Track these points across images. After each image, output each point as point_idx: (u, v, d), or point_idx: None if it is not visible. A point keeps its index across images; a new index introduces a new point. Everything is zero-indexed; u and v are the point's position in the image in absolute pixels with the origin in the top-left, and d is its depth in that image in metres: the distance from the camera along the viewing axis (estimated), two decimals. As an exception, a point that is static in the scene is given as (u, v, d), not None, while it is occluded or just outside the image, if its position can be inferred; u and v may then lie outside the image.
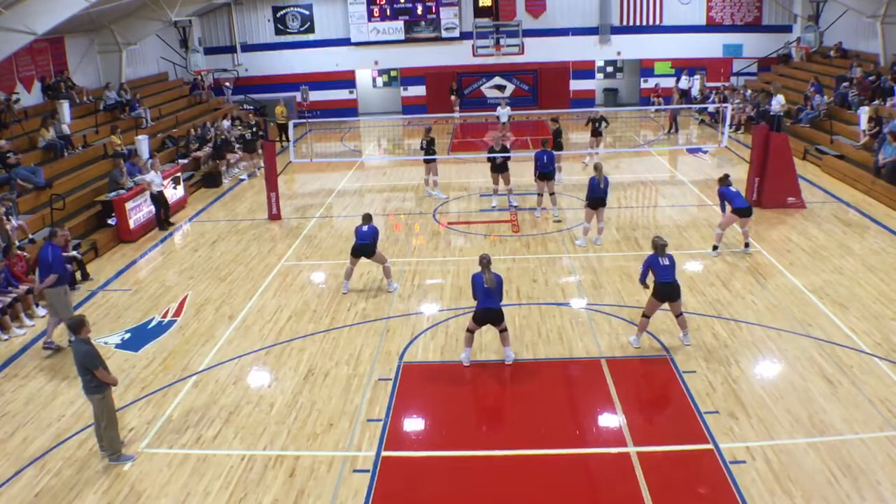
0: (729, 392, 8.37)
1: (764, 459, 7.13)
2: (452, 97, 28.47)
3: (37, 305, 11.39)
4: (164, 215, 15.91)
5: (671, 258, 9.19)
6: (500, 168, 15.81)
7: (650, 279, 9.27)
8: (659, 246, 9.18)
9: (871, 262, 12.08)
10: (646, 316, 9.44)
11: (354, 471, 7.30)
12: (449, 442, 7.86)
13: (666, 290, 9.12)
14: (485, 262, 9.11)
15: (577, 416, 8.20)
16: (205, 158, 20.26)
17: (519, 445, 7.66)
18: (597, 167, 13.20)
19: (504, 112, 22.40)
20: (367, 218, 11.70)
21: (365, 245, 11.42)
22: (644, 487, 6.85)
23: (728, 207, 12.46)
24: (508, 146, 16.91)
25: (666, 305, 9.34)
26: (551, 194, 15.09)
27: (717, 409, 8.04)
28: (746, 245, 12.75)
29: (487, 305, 9.01)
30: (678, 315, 9.39)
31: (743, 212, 12.26)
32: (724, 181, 12.58)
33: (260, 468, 7.39)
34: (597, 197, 12.97)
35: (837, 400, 8.10)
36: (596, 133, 19.37)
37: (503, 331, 9.27)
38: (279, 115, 24.60)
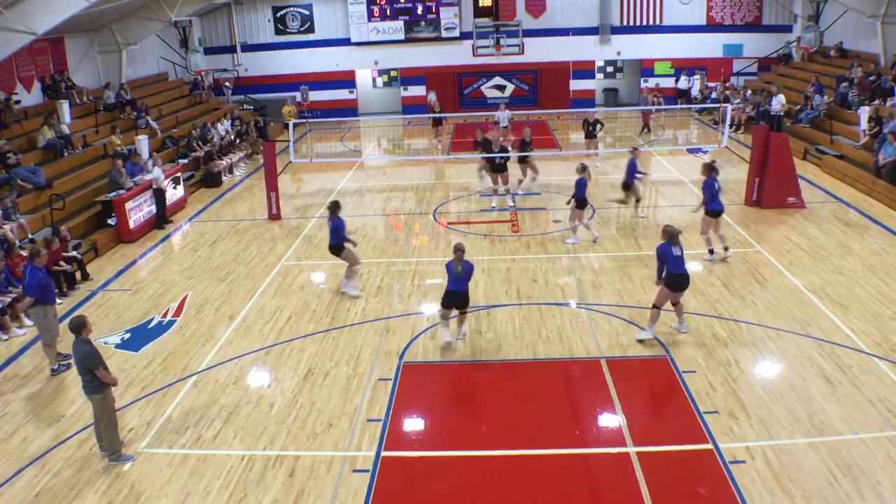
0: (729, 392, 8.37)
1: (764, 459, 7.13)
2: (438, 127, 23.41)
3: (26, 316, 10.90)
4: (162, 213, 16.07)
5: (681, 248, 9.24)
6: (499, 168, 15.86)
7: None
8: (673, 235, 9.17)
9: (871, 262, 12.08)
10: (657, 307, 9.45)
11: (354, 471, 7.30)
12: (449, 442, 7.86)
13: (680, 281, 9.21)
14: (459, 252, 9.43)
15: (577, 416, 8.20)
16: (204, 159, 20.27)
17: (519, 445, 7.66)
18: (583, 168, 13.28)
19: (504, 116, 22.26)
20: (333, 207, 11.38)
21: (331, 244, 11.41)
22: (644, 487, 6.85)
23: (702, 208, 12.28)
24: (509, 147, 16.96)
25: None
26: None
27: (716, 409, 8.04)
28: (726, 248, 12.47)
29: (455, 288, 9.46)
30: (676, 303, 9.49)
31: (715, 214, 12.14)
32: (711, 171, 12.26)
33: (260, 468, 7.39)
34: (584, 197, 13.11)
35: (837, 400, 8.10)
36: (590, 136, 19.39)
37: (464, 313, 9.78)
38: (287, 114, 24.04)
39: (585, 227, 13.66)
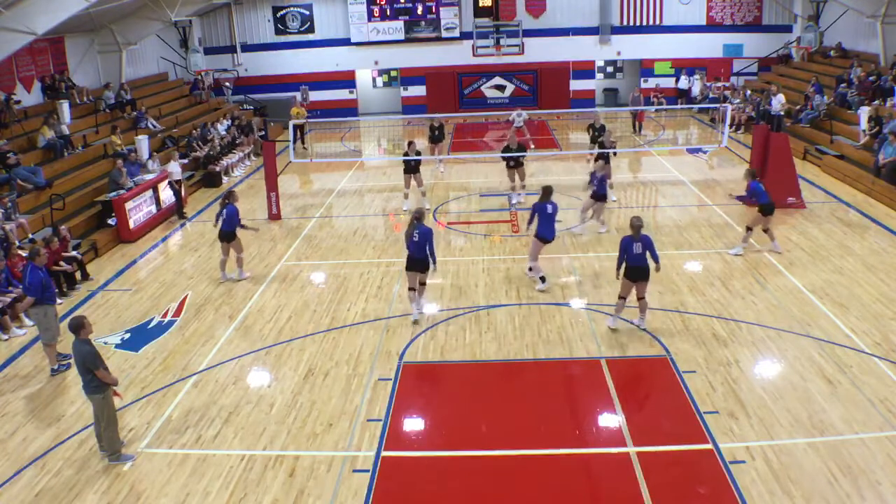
0: (729, 392, 8.37)
1: (764, 459, 7.13)
2: (432, 144, 19.70)
3: (26, 316, 10.91)
4: (179, 204, 16.77)
5: (645, 241, 9.52)
6: (515, 166, 15.99)
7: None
8: (635, 228, 9.56)
9: (871, 262, 12.08)
10: (622, 297, 9.81)
11: (354, 471, 7.30)
12: (449, 442, 7.86)
13: (636, 272, 9.61)
14: (414, 217, 10.22)
15: (577, 416, 8.20)
16: (203, 159, 20.26)
17: (519, 445, 7.66)
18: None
19: (521, 118, 21.97)
20: (228, 195, 12.41)
21: (225, 231, 12.18)
22: (644, 487, 6.85)
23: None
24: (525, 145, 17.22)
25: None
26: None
27: (716, 409, 8.04)
28: (542, 279, 11.47)
29: (412, 254, 10.23)
30: (641, 297, 9.82)
31: (544, 240, 11.34)
32: (546, 195, 11.31)
33: (260, 468, 7.39)
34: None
35: (837, 400, 8.10)
36: (595, 140, 19.36)
37: (422, 284, 10.46)
38: (296, 115, 23.06)
39: (589, 219, 14.01)
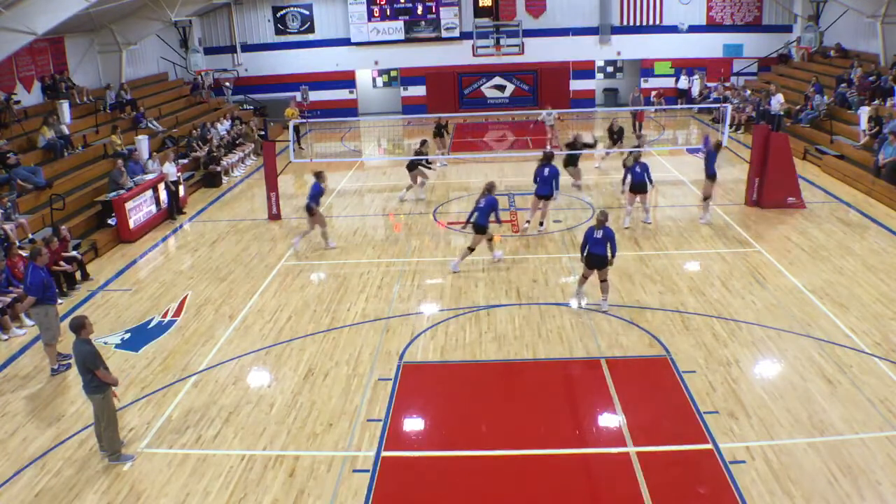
0: (729, 392, 8.37)
1: (764, 459, 7.13)
2: (439, 139, 20.64)
3: (26, 316, 10.91)
4: (175, 205, 16.79)
5: (606, 233, 10.22)
6: (573, 164, 16.71)
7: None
8: (598, 220, 10.36)
9: (871, 262, 12.08)
10: (584, 277, 10.76)
11: (354, 471, 7.30)
12: (449, 442, 7.86)
13: (590, 260, 10.45)
14: (486, 188, 12.25)
15: (577, 416, 8.20)
16: (204, 159, 20.27)
17: (519, 445, 7.66)
18: (637, 155, 14.28)
19: (550, 116, 22.01)
20: (317, 175, 13.63)
21: (308, 206, 13.48)
22: (644, 487, 6.85)
23: None
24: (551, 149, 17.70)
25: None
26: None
27: (716, 409, 8.04)
28: (541, 223, 14.29)
29: (475, 221, 12.16)
30: (603, 280, 10.53)
31: (542, 197, 13.99)
32: (545, 159, 14.00)
33: (260, 468, 7.39)
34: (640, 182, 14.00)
35: (837, 400, 8.10)
36: (617, 142, 19.55)
37: (489, 239, 12.47)
38: (290, 116, 22.81)
39: (629, 212, 14.48)
